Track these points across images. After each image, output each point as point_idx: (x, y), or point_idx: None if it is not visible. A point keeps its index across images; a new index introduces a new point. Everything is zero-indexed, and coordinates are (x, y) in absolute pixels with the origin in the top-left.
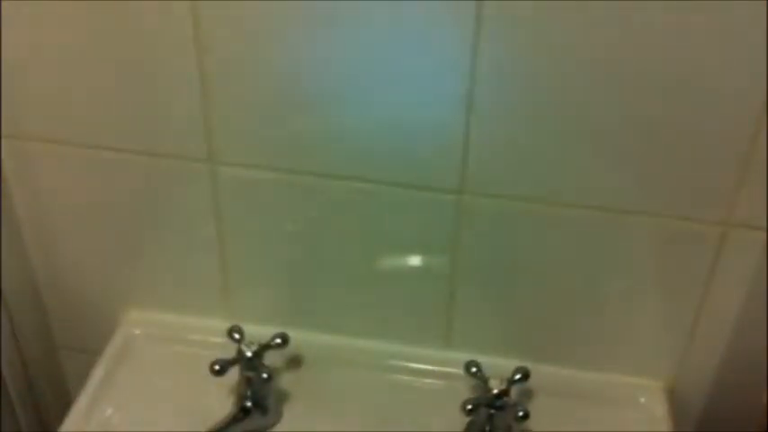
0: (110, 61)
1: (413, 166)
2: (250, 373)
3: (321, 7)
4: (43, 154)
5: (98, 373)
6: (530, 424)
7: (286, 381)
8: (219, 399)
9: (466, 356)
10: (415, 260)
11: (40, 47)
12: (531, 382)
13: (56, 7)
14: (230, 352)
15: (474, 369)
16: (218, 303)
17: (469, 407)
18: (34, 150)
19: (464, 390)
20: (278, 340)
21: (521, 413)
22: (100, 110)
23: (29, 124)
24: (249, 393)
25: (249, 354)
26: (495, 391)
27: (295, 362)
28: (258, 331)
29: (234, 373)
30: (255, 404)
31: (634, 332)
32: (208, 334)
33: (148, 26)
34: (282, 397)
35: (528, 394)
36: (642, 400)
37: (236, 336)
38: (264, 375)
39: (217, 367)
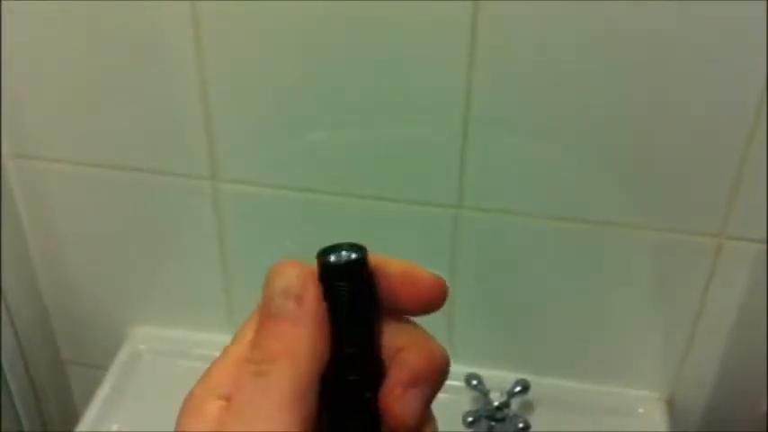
0: (113, 80)
1: (411, 181)
2: None
3: (322, 26)
4: (49, 173)
5: (104, 389)
6: None
7: None
8: None
9: (466, 369)
10: None
11: (43, 66)
12: (532, 394)
13: (58, 28)
14: None
15: (475, 381)
16: (223, 318)
17: (470, 419)
18: (40, 169)
19: (465, 402)
20: None
21: (521, 425)
22: (104, 129)
23: (35, 144)
24: None
25: None
26: (496, 404)
27: None
28: None
29: None
30: None
31: (632, 343)
32: (213, 349)
33: (150, 45)
34: None
35: (528, 406)
36: (641, 410)
37: None
38: None
39: None
